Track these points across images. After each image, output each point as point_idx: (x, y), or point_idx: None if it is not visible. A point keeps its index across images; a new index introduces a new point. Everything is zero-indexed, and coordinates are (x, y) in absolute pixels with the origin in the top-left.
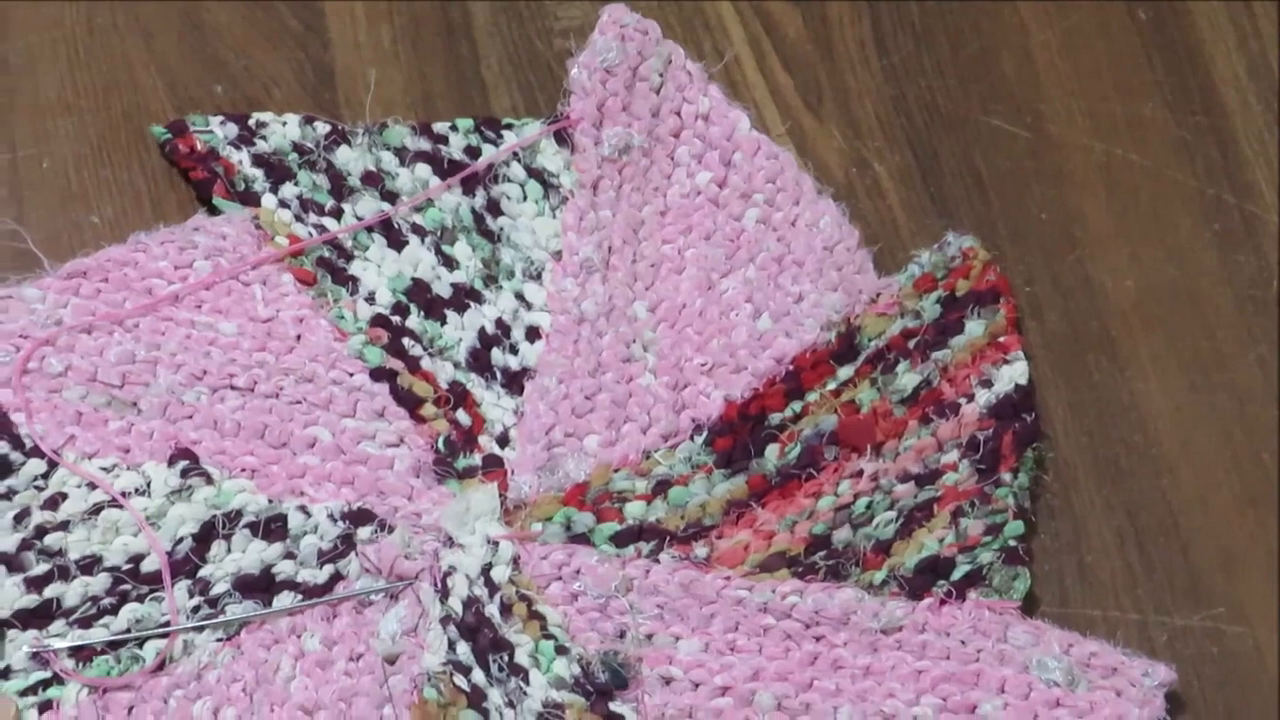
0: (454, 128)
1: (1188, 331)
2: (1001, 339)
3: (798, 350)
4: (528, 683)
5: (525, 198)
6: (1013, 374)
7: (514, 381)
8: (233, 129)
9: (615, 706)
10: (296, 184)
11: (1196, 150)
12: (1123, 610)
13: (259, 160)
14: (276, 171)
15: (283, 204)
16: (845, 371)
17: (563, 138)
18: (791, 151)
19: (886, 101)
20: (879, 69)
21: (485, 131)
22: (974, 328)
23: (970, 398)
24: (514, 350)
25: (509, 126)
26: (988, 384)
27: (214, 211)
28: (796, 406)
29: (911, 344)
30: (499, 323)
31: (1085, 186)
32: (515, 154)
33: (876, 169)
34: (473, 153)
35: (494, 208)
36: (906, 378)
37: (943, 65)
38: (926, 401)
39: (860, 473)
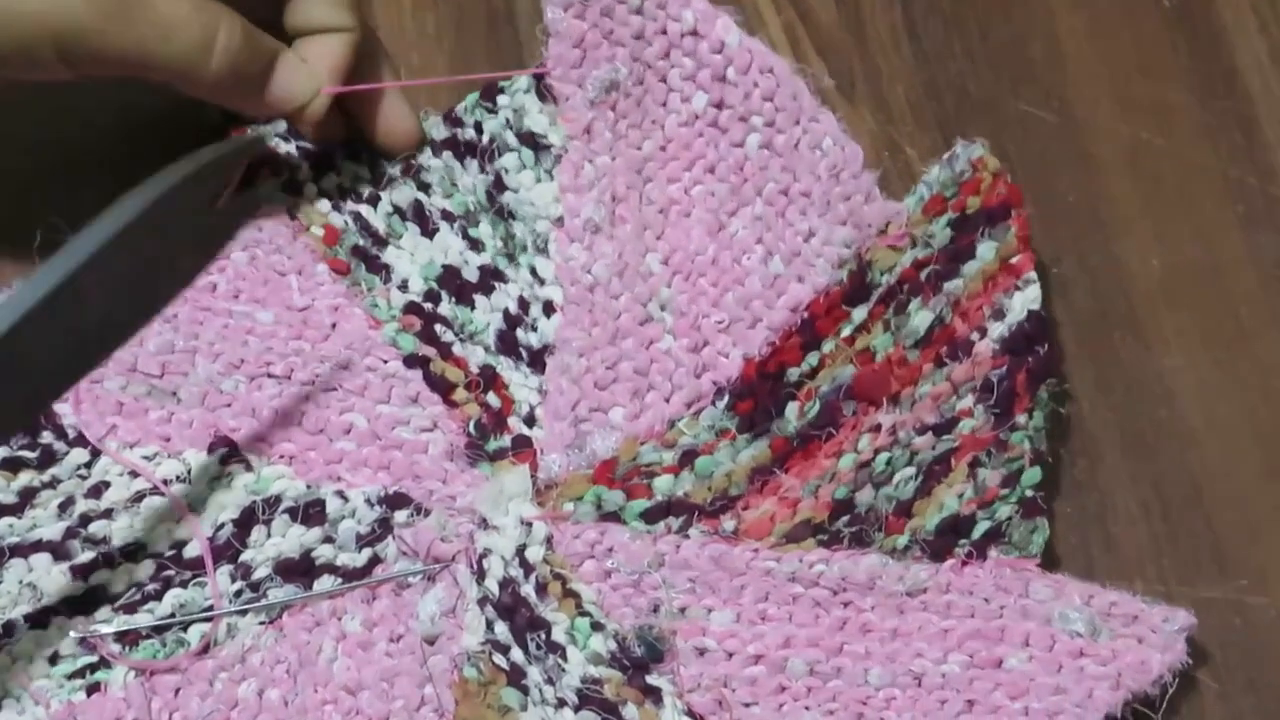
0: (466, 108)
1: (1212, 309)
2: (1014, 260)
3: (811, 296)
4: (565, 659)
5: (523, 166)
6: (1025, 300)
7: (536, 359)
8: (282, 122)
9: (652, 679)
10: (339, 174)
11: (1220, 134)
12: (1148, 582)
13: (306, 153)
14: (321, 162)
15: (323, 194)
16: (859, 313)
17: (544, 93)
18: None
19: (917, 86)
20: (910, 54)
21: (484, 103)
22: (985, 251)
23: (983, 332)
24: (534, 328)
25: (503, 90)
26: (1000, 315)
27: None
28: (813, 359)
29: (923, 275)
30: (520, 301)
31: (1112, 169)
32: (507, 121)
33: (908, 152)
34: (479, 128)
35: (499, 183)
36: (919, 317)
37: (972, 51)
38: (940, 341)
39: (879, 427)
